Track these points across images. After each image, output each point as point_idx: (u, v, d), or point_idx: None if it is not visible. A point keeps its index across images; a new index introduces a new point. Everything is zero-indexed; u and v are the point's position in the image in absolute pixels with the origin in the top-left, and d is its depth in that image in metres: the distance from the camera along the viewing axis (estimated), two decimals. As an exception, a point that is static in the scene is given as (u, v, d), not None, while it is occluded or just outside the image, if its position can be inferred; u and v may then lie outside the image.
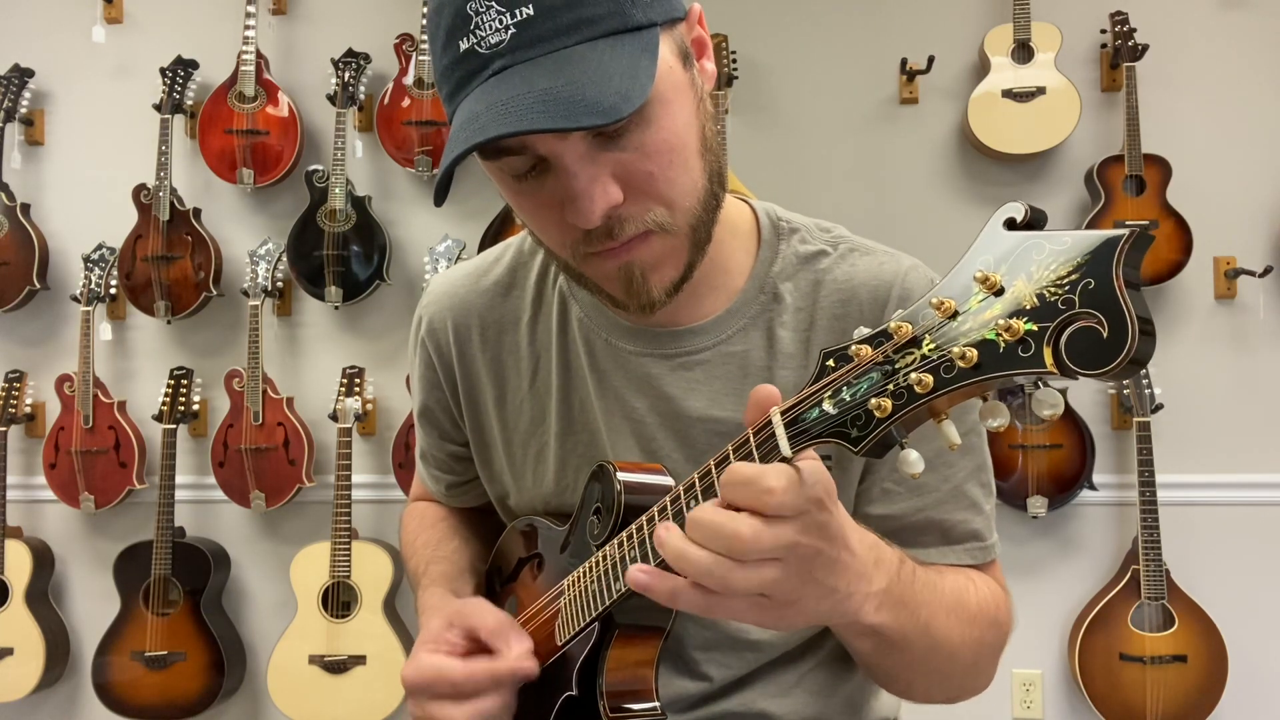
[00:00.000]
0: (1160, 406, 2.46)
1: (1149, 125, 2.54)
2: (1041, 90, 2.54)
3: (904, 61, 2.69)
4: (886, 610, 0.73)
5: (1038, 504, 2.50)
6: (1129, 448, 2.53)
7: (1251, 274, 2.53)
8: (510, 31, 0.70)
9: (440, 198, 0.74)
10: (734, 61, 2.64)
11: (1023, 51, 2.57)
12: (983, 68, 2.62)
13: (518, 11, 0.70)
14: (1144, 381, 2.46)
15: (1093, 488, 2.54)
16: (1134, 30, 2.54)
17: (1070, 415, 2.55)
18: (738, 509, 0.63)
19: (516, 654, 0.86)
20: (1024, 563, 2.61)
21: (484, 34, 0.71)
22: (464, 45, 0.72)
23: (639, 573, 0.67)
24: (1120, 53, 2.55)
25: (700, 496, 0.69)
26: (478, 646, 0.88)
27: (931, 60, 2.62)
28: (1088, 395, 2.62)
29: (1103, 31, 2.64)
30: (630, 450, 0.93)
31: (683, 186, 0.78)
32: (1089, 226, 2.49)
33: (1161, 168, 2.53)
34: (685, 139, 0.77)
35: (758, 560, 0.62)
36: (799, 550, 0.63)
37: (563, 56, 0.70)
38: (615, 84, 0.68)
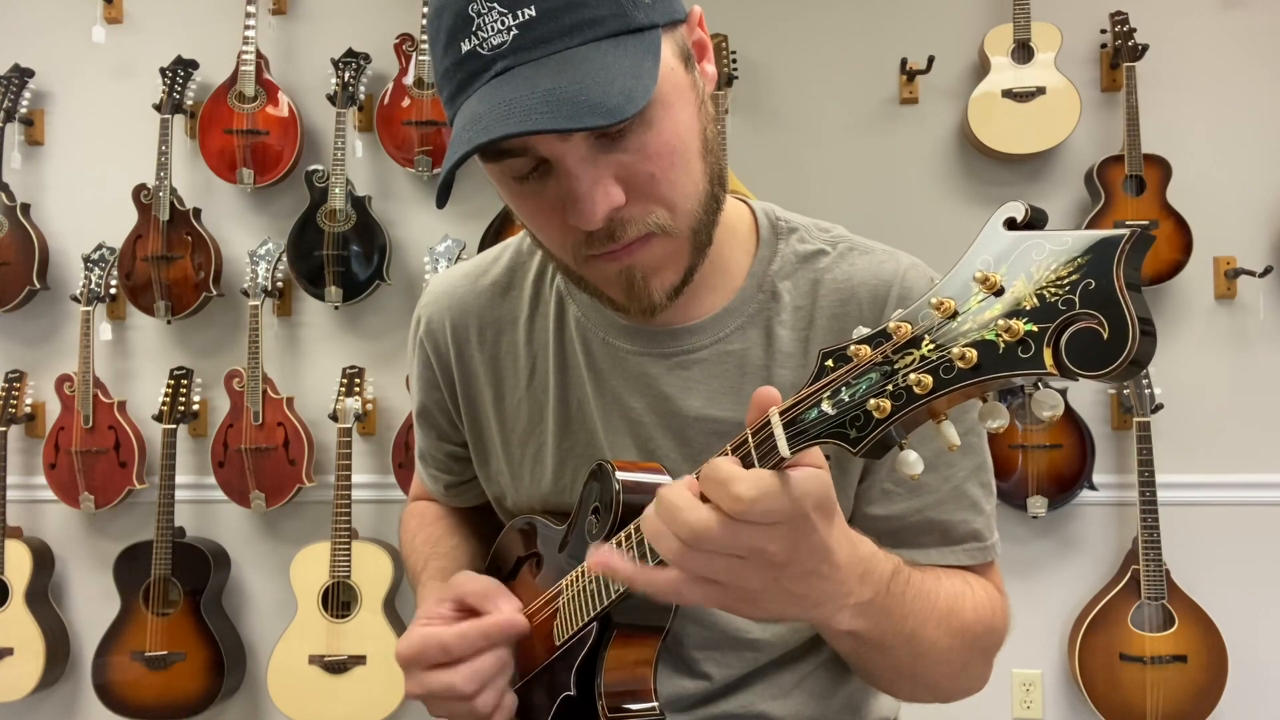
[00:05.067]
0: (1160, 406, 2.46)
1: (1149, 125, 2.54)
2: (1041, 90, 2.54)
3: (904, 61, 2.69)
4: (864, 619, 0.73)
5: (1038, 504, 2.50)
6: (1129, 448, 2.53)
7: (1251, 274, 2.53)
8: (512, 33, 0.70)
9: (443, 199, 0.73)
10: (734, 61, 2.64)
11: (1023, 51, 2.57)
12: (983, 68, 2.62)
13: (520, 13, 0.70)
14: (1144, 381, 2.46)
15: (1093, 488, 2.54)
16: (1134, 30, 2.54)
17: (1070, 415, 2.55)
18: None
19: (505, 610, 0.86)
20: (1024, 563, 2.61)
21: (486, 35, 0.71)
22: (465, 47, 0.72)
23: (600, 555, 0.69)
24: (1120, 53, 2.55)
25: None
26: (468, 614, 0.89)
27: (931, 60, 2.62)
28: (1088, 395, 2.62)
29: (1103, 31, 2.64)
30: (628, 450, 0.93)
31: (684, 189, 0.78)
32: (1089, 227, 2.48)
33: (1161, 168, 2.53)
34: (687, 141, 0.77)
35: (712, 551, 0.63)
36: (765, 556, 0.63)
37: (565, 57, 0.70)
38: (619, 84, 0.68)
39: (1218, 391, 2.59)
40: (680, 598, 0.67)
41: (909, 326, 0.56)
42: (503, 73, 0.71)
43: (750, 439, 0.65)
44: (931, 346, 0.55)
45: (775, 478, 0.62)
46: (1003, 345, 0.51)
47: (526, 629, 0.87)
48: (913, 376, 0.55)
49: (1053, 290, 0.50)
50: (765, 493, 0.61)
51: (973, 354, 0.52)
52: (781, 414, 0.63)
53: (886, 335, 0.57)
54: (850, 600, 0.70)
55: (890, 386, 0.56)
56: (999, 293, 0.52)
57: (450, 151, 0.71)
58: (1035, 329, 0.50)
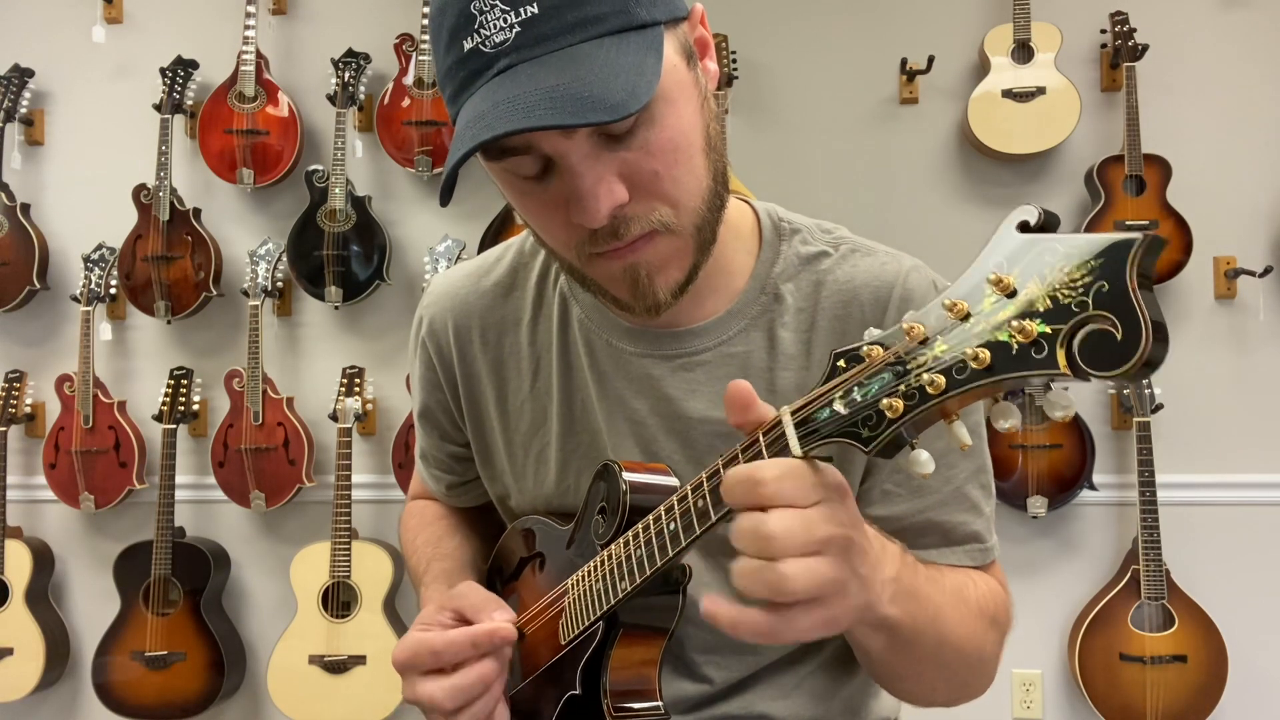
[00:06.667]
0: (1160, 406, 2.47)
1: (1149, 125, 2.54)
2: (1041, 90, 2.55)
3: (904, 61, 2.69)
4: (900, 602, 0.72)
5: (1038, 504, 2.50)
6: (1129, 448, 2.53)
7: (1251, 274, 2.53)
8: (515, 30, 0.70)
9: (446, 197, 0.73)
10: (734, 61, 2.64)
11: (1023, 51, 2.57)
12: (983, 68, 2.62)
13: (522, 10, 0.70)
14: (1144, 382, 2.46)
15: (1093, 488, 2.54)
16: (1134, 30, 2.54)
17: (1070, 415, 2.55)
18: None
19: (497, 618, 0.86)
20: (1024, 563, 2.61)
21: (488, 33, 0.71)
22: (468, 45, 0.72)
23: (709, 603, 0.65)
24: (1120, 53, 2.55)
25: (708, 496, 0.69)
26: (465, 624, 0.89)
27: (931, 60, 2.63)
28: (1088, 395, 2.63)
29: (1103, 31, 2.64)
30: (631, 452, 0.93)
31: (688, 186, 0.78)
32: (1089, 227, 2.49)
33: (1161, 168, 2.53)
34: (690, 138, 0.77)
35: (802, 555, 0.62)
36: (835, 541, 0.63)
37: (568, 55, 0.70)
38: (622, 81, 0.68)
39: (1218, 391, 2.59)
40: (793, 630, 0.63)
41: (922, 327, 0.56)
42: (505, 70, 0.71)
43: (761, 439, 0.65)
44: (944, 347, 0.55)
45: (788, 460, 0.63)
46: (1016, 346, 0.51)
47: (513, 637, 0.87)
48: (926, 377, 0.55)
49: (1066, 292, 0.50)
50: (786, 471, 0.62)
51: (986, 354, 0.52)
52: (794, 413, 0.63)
53: (899, 336, 0.57)
54: (889, 573, 0.70)
55: (903, 386, 0.57)
56: (1012, 294, 0.52)
57: (453, 149, 0.71)
58: (1049, 330, 0.50)
